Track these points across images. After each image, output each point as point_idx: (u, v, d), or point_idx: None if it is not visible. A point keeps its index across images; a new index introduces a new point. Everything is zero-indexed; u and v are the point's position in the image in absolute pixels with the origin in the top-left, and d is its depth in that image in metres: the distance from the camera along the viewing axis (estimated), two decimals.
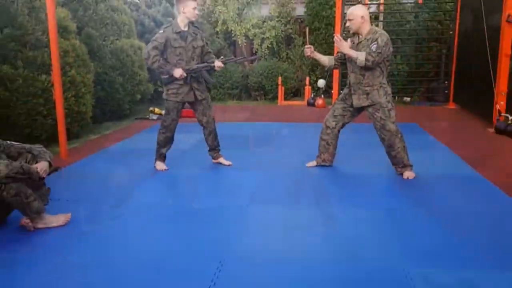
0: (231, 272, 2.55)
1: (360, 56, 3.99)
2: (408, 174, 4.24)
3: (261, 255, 2.76)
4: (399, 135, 4.19)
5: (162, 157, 4.67)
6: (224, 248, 2.86)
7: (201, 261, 2.67)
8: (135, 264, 2.65)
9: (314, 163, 4.67)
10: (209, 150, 4.82)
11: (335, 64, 4.47)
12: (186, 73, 4.29)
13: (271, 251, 2.81)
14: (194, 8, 4.27)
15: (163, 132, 4.56)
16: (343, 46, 4.10)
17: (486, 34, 6.90)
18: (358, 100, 4.22)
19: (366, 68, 4.07)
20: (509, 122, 6.12)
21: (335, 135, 4.49)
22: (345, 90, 4.39)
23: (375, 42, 3.98)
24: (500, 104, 6.48)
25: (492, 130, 6.49)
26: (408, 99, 10.14)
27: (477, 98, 7.54)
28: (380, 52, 3.97)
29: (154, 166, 4.65)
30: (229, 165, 4.75)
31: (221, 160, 4.78)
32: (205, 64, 4.38)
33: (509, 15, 6.26)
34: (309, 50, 4.32)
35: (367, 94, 4.16)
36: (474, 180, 4.22)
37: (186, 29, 4.31)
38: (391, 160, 4.33)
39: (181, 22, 4.31)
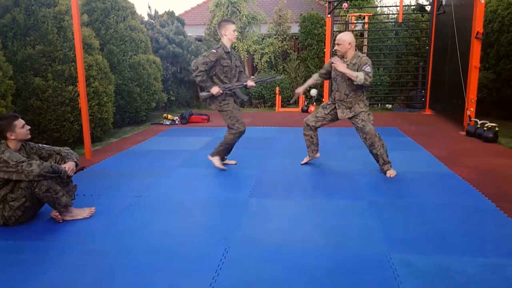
0: (236, 256, 2.57)
1: (359, 75, 3.91)
2: (390, 172, 4.23)
3: (262, 241, 2.76)
4: (378, 135, 4.21)
5: (224, 156, 4.62)
6: (229, 235, 2.86)
7: (209, 246, 2.68)
8: (151, 250, 2.65)
9: (306, 159, 4.68)
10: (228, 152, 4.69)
11: (321, 79, 4.55)
12: (222, 91, 4.24)
13: (270, 237, 2.81)
14: (234, 31, 4.24)
15: (238, 136, 4.45)
16: (341, 66, 4.01)
17: (457, 49, 6.90)
18: (342, 113, 4.25)
19: (353, 89, 4.09)
20: (478, 126, 6.12)
21: (315, 130, 4.52)
22: (330, 102, 4.38)
23: (367, 65, 3.96)
24: (470, 110, 6.48)
25: (463, 133, 6.49)
26: (390, 106, 10.14)
27: (450, 105, 7.54)
28: (369, 76, 3.96)
29: (212, 161, 4.51)
30: (235, 164, 4.74)
31: (226, 161, 4.74)
32: (240, 83, 4.34)
33: (477, 32, 6.27)
34: (298, 94, 4.57)
35: (350, 108, 4.20)
36: (447, 176, 4.21)
37: (230, 50, 4.29)
38: (374, 158, 4.32)
39: (227, 43, 4.25)
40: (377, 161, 4.31)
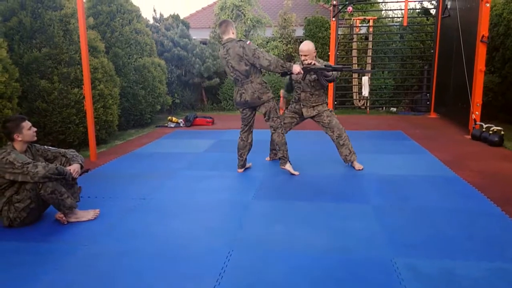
0: (240, 258, 2.56)
1: (334, 73, 4.24)
2: (358, 166, 4.52)
3: (266, 244, 2.76)
4: (343, 128, 4.54)
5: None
6: (233, 237, 2.86)
7: (213, 249, 2.68)
8: (154, 252, 2.66)
9: (268, 158, 5.03)
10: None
11: (288, 94, 4.88)
12: (303, 70, 4.17)
13: (273, 241, 2.81)
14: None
15: (284, 132, 4.41)
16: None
17: (463, 52, 6.88)
18: (307, 112, 4.60)
19: (317, 89, 4.47)
20: (484, 129, 6.09)
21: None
22: (295, 105, 4.69)
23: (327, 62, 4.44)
24: (476, 114, 6.45)
25: (468, 136, 6.46)
26: (394, 109, 10.11)
27: (455, 109, 7.51)
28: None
29: (286, 169, 4.41)
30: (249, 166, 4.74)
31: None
32: (324, 68, 4.25)
33: (483, 36, 6.25)
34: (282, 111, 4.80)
35: (313, 107, 4.57)
36: (452, 180, 4.19)
37: None
38: (341, 151, 4.56)
39: None
40: (344, 154, 4.55)
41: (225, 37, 4.18)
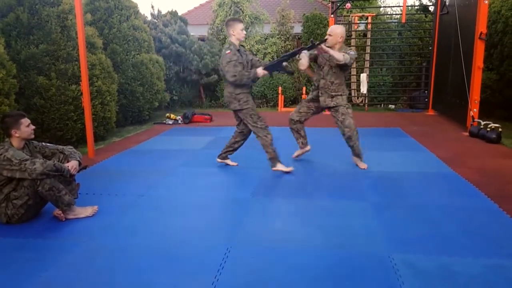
0: (239, 255, 2.57)
1: (345, 55, 4.04)
2: (362, 165, 4.49)
3: (264, 242, 2.76)
4: (356, 129, 4.39)
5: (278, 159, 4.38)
6: (232, 235, 2.87)
7: (212, 246, 2.68)
8: (152, 250, 2.66)
9: (297, 152, 4.85)
10: (226, 152, 4.65)
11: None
12: (269, 70, 4.15)
13: (272, 238, 2.81)
14: (242, 30, 4.16)
15: (269, 133, 4.31)
16: (331, 50, 4.10)
17: (461, 49, 6.88)
18: (324, 102, 4.40)
19: (339, 76, 4.29)
20: (481, 126, 6.11)
21: (301, 124, 4.70)
22: (314, 93, 4.52)
23: (351, 49, 4.25)
24: (474, 111, 6.47)
25: (466, 133, 6.47)
26: (393, 106, 10.13)
27: (453, 106, 7.52)
28: (353, 59, 4.18)
29: (279, 169, 4.35)
30: (235, 165, 4.70)
31: (228, 161, 4.73)
32: (281, 58, 4.17)
33: (481, 33, 6.25)
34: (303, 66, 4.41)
35: (332, 97, 4.36)
36: (450, 177, 4.20)
37: (239, 48, 4.19)
38: (351, 150, 4.52)
39: (235, 42, 4.16)
40: (352, 153, 4.53)
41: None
